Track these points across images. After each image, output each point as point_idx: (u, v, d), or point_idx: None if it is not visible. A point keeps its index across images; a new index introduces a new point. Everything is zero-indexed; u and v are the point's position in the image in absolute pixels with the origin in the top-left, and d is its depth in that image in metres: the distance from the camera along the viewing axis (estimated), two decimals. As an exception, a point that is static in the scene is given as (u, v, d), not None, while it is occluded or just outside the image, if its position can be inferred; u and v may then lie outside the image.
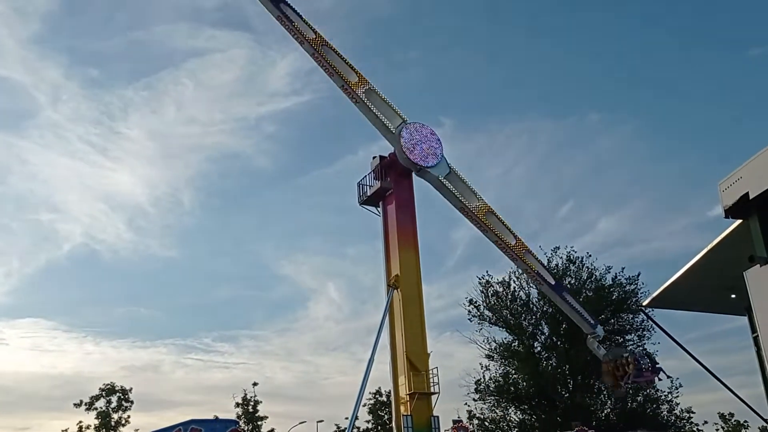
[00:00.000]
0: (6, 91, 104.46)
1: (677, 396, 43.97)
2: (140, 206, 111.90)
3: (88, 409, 53.19)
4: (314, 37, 35.72)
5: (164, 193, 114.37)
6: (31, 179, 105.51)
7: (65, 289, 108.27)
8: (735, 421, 54.56)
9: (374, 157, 37.87)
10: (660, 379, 33.88)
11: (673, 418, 44.19)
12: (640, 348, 36.75)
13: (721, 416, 55.11)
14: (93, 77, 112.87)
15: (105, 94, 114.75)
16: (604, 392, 44.41)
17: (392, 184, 36.53)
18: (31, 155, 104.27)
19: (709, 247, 11.33)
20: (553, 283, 34.57)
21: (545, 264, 44.72)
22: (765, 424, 18.02)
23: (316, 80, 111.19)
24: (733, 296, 13.49)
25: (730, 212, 8.57)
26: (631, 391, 43.83)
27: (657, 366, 33.68)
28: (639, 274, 44.41)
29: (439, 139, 36.52)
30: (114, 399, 53.77)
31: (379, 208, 37.49)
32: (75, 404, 53.51)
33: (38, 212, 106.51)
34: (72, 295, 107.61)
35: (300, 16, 35.86)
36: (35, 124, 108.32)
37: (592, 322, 33.58)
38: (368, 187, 37.58)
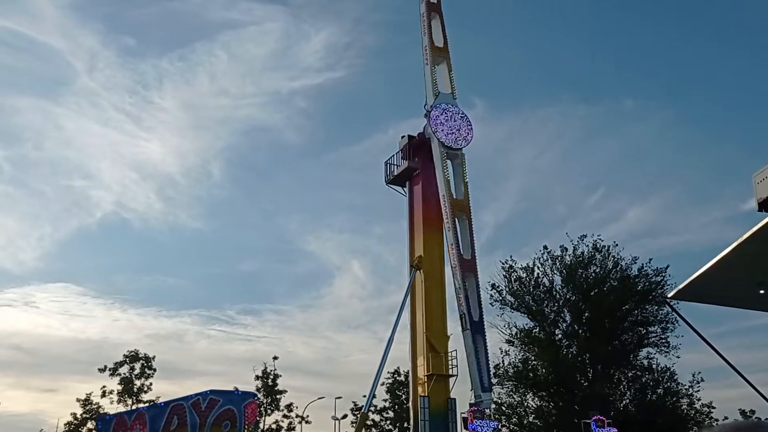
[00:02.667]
0: (43, 57, 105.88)
1: (698, 390, 43.61)
2: (170, 176, 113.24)
3: (112, 375, 54.40)
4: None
5: (194, 164, 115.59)
6: (65, 145, 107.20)
7: (95, 256, 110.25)
8: (756, 418, 53.94)
9: (403, 137, 37.76)
10: None
11: (693, 412, 43.82)
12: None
13: (743, 413, 54.50)
14: (129, 46, 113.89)
15: (140, 64, 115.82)
16: (624, 383, 44.15)
17: (420, 165, 36.41)
18: (66, 121, 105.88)
19: (740, 240, 11.07)
20: (475, 319, 32.82)
21: (572, 249, 44.35)
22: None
23: (350, 56, 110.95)
24: (762, 292, 13.23)
25: (764, 205, 8.35)
26: (651, 383, 43.54)
27: None
28: (667, 267, 43.80)
29: (470, 125, 36.57)
30: (137, 366, 54.83)
31: (405, 188, 37.43)
32: (99, 369, 54.75)
33: (72, 178, 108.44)
34: (102, 262, 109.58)
35: None
36: (71, 91, 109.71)
37: (486, 384, 31.95)
38: (395, 167, 37.50)
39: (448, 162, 35.65)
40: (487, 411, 32.05)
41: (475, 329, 32.84)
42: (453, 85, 37.00)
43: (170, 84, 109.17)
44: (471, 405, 33.61)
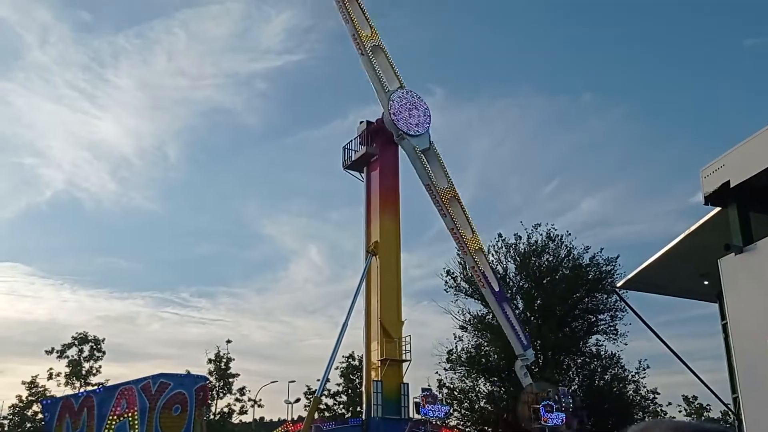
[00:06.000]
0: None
1: (644, 377, 44.83)
2: (125, 157, 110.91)
3: (59, 357, 53.05)
4: None
5: (150, 145, 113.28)
6: (14, 122, 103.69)
7: (45, 236, 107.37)
8: (698, 404, 55.78)
9: (361, 122, 37.66)
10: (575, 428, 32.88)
11: (638, 397, 45.04)
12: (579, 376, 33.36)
13: (685, 399, 56.32)
14: (84, 21, 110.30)
15: (95, 40, 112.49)
16: (573, 369, 45.12)
17: (378, 150, 36.38)
18: (15, 97, 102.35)
19: (686, 232, 11.37)
20: (497, 289, 33.92)
21: (526, 238, 44.90)
22: (726, 409, 18.42)
23: (311, 39, 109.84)
24: (706, 283, 13.62)
25: (710, 199, 8.59)
26: (599, 369, 44.57)
27: (578, 410, 33.03)
28: (618, 257, 44.77)
29: (428, 110, 36.37)
30: (86, 348, 53.65)
31: (363, 174, 37.36)
32: (46, 351, 53.39)
33: (20, 156, 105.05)
34: (51, 242, 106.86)
35: None
36: (21, 66, 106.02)
37: (525, 343, 33.10)
38: (353, 152, 37.40)
39: (422, 155, 34.97)
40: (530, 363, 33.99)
41: (499, 298, 33.76)
42: (396, 72, 35.98)
43: (126, 62, 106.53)
44: (423, 390, 33.95)
